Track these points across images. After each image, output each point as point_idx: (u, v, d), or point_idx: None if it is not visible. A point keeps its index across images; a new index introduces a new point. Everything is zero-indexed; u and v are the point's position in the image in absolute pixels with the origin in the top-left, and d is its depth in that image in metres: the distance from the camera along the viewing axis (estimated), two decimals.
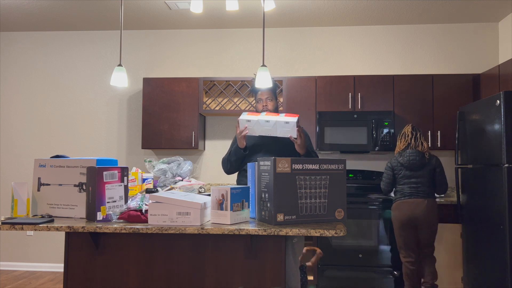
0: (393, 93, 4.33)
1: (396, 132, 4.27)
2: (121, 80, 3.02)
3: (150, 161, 3.15)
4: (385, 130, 4.19)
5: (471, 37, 4.64)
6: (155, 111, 4.54)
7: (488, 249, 3.32)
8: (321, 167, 2.04)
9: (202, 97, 4.51)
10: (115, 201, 2.10)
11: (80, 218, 2.15)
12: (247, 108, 4.54)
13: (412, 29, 4.71)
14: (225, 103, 4.63)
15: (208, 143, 4.85)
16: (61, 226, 1.90)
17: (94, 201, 2.02)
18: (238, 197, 1.94)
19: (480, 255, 3.45)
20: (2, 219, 2.01)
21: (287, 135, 2.42)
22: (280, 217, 1.94)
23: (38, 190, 2.27)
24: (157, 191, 2.59)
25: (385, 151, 4.19)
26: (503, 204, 3.10)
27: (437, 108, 4.28)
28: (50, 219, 2.04)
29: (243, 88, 4.63)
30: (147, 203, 2.01)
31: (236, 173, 3.35)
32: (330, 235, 1.81)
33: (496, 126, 3.20)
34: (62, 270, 4.85)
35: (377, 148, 4.19)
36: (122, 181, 2.13)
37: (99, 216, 2.02)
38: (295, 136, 2.42)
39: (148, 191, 2.58)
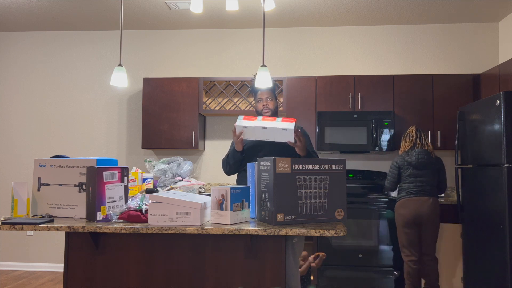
0: (393, 93, 4.33)
1: (396, 132, 4.27)
2: (121, 80, 3.02)
3: (150, 161, 3.15)
4: (385, 130, 4.19)
5: (471, 37, 4.64)
6: (155, 111, 4.54)
7: (488, 249, 3.32)
8: (321, 167, 2.04)
9: (202, 97, 4.51)
10: (115, 201, 2.10)
11: (80, 218, 2.15)
12: (247, 108, 4.54)
13: (412, 29, 4.71)
14: (225, 103, 4.63)
15: (208, 143, 4.85)
16: (61, 226, 1.90)
17: (94, 201, 2.02)
18: (238, 197, 1.94)
19: (480, 255, 3.45)
20: (2, 219, 2.01)
21: (285, 140, 2.41)
22: (280, 217, 1.94)
23: (38, 190, 2.27)
24: (157, 191, 2.59)
25: (385, 151, 4.19)
26: (503, 204, 3.10)
27: (437, 108, 4.28)
28: (50, 219, 2.04)
29: (243, 88, 4.63)
30: (147, 203, 2.01)
31: (236, 173, 3.35)
32: (330, 235, 1.81)
33: (496, 126, 3.20)
34: (62, 270, 4.85)
35: (377, 148, 4.19)
36: (122, 181, 2.13)
37: (99, 216, 2.02)
38: (293, 142, 2.41)
39: (148, 191, 2.58)
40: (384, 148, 4.18)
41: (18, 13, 4.47)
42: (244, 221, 2.00)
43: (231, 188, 1.91)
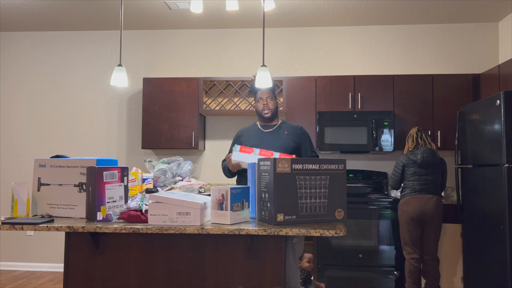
0: (393, 93, 4.33)
1: (396, 132, 4.28)
2: (121, 80, 3.02)
3: (150, 161, 3.15)
4: (385, 130, 4.19)
5: (471, 37, 4.64)
6: (155, 111, 4.54)
7: (488, 249, 3.32)
8: (321, 167, 2.04)
9: (202, 97, 4.51)
10: (115, 201, 2.10)
11: (80, 218, 2.15)
12: (247, 108, 4.54)
13: (412, 29, 4.71)
14: (225, 103, 4.63)
15: (208, 143, 4.85)
16: (61, 226, 1.90)
17: (94, 201, 2.02)
18: (238, 197, 1.94)
19: (480, 255, 3.45)
20: (2, 219, 2.01)
21: None
22: (280, 217, 1.94)
23: (38, 190, 2.27)
24: (157, 191, 2.59)
25: (385, 151, 4.19)
26: (503, 204, 3.10)
27: (437, 108, 4.28)
28: (50, 219, 2.04)
29: (243, 88, 4.63)
30: (147, 203, 2.01)
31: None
32: (330, 235, 1.81)
33: (496, 126, 3.20)
34: (62, 270, 4.85)
35: (377, 148, 4.19)
36: (122, 181, 2.13)
37: (99, 216, 2.02)
38: None
39: (148, 191, 2.58)
40: (384, 148, 4.18)
41: (18, 13, 4.47)
42: (244, 221, 2.00)
43: (231, 188, 1.91)
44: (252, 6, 4.23)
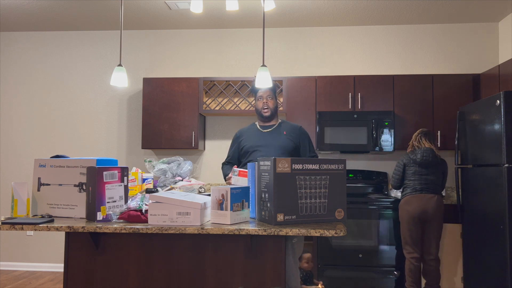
0: (393, 93, 4.33)
1: (396, 132, 4.28)
2: (121, 80, 3.02)
3: (150, 161, 3.15)
4: (385, 130, 4.19)
5: (471, 37, 4.64)
6: (155, 111, 4.54)
7: (488, 249, 3.32)
8: (321, 167, 2.04)
9: (202, 97, 4.51)
10: (115, 201, 2.10)
11: (80, 218, 2.15)
12: (247, 108, 4.54)
13: (412, 29, 4.71)
14: (225, 103, 4.63)
15: (208, 143, 4.85)
16: (61, 226, 1.90)
17: (94, 201, 2.02)
18: (238, 197, 1.94)
19: (480, 255, 3.45)
20: (2, 219, 2.01)
21: None
22: (280, 217, 1.94)
23: (38, 190, 2.27)
24: (157, 191, 2.59)
25: (385, 151, 4.19)
26: (503, 204, 3.10)
27: (437, 108, 4.28)
28: (50, 219, 2.04)
29: (243, 88, 4.63)
30: (147, 203, 2.01)
31: None
32: (330, 235, 1.81)
33: (496, 126, 3.20)
34: (62, 270, 4.85)
35: (377, 148, 4.19)
36: (122, 181, 2.13)
37: (99, 216, 2.02)
38: None
39: (148, 191, 2.58)
40: (384, 148, 4.18)
41: (18, 13, 4.47)
42: (244, 221, 2.00)
43: (231, 188, 1.91)
44: (252, 6, 4.23)
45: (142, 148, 4.52)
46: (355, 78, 4.37)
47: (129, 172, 2.26)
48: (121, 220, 2.01)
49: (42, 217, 2.10)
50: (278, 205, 1.94)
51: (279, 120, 2.84)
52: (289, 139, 2.71)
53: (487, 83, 4.07)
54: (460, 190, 3.95)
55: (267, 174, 1.99)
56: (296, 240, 2.48)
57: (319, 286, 3.31)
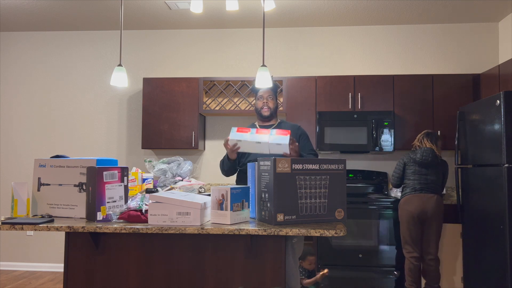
0: (393, 93, 4.33)
1: (396, 132, 4.28)
2: (121, 80, 3.02)
3: (150, 161, 3.15)
4: (385, 130, 4.19)
5: (471, 37, 4.64)
6: (155, 111, 4.54)
7: (488, 249, 3.32)
8: (321, 167, 2.04)
9: (202, 97, 4.51)
10: (115, 201, 2.10)
11: (80, 218, 2.15)
12: (247, 108, 4.54)
13: (412, 29, 4.71)
14: (225, 103, 4.63)
15: (208, 143, 4.85)
16: (61, 226, 1.90)
17: (94, 201, 2.02)
18: (238, 197, 1.94)
19: (480, 255, 3.45)
20: (2, 219, 2.01)
21: (280, 152, 2.39)
22: (280, 217, 1.94)
23: (38, 190, 2.27)
24: (157, 191, 2.59)
25: (385, 151, 4.19)
26: (503, 204, 3.10)
27: (437, 108, 4.28)
28: (50, 219, 2.04)
29: (243, 88, 4.63)
30: (147, 203, 2.01)
31: (236, 173, 3.36)
32: (330, 235, 1.81)
33: (496, 126, 3.20)
34: (62, 270, 4.85)
35: (377, 148, 4.19)
36: (122, 181, 2.13)
37: (99, 216, 2.02)
38: (288, 153, 2.40)
39: (148, 191, 2.58)
40: (384, 148, 4.18)
41: (18, 13, 4.47)
42: (244, 221, 2.00)
43: (231, 188, 1.91)
44: (252, 6, 4.23)
45: (142, 148, 4.52)
46: (355, 78, 4.37)
47: (129, 172, 2.26)
48: (121, 220, 2.01)
49: (42, 217, 2.10)
50: (278, 205, 1.94)
51: (279, 120, 2.84)
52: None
53: (487, 83, 4.07)
54: (460, 190, 3.95)
55: (267, 174, 1.99)
56: (296, 240, 2.48)
57: (324, 271, 3.26)
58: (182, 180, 3.04)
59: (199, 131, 4.56)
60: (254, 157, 2.67)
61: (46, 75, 5.05)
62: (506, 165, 3.08)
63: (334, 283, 4.00)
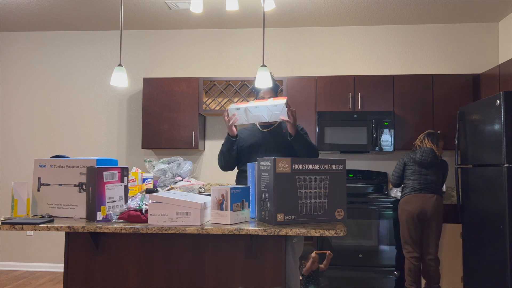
0: (393, 93, 4.33)
1: (396, 132, 4.28)
2: (121, 80, 3.02)
3: (150, 161, 3.15)
4: (385, 130, 4.19)
5: (471, 37, 4.64)
6: (155, 111, 4.54)
7: (488, 249, 3.32)
8: (321, 167, 2.04)
9: (202, 97, 4.51)
10: (115, 201, 2.10)
11: (80, 218, 2.15)
12: None
13: (412, 29, 4.71)
14: (225, 103, 4.63)
15: (208, 143, 4.85)
16: (61, 226, 1.90)
17: (94, 201, 2.02)
18: (238, 197, 1.94)
19: (480, 255, 3.45)
20: (2, 219, 2.01)
21: (278, 119, 2.42)
22: (280, 217, 1.94)
23: (38, 190, 2.27)
24: (157, 191, 2.59)
25: (385, 151, 4.19)
26: (503, 204, 3.10)
27: (437, 108, 4.28)
28: (50, 219, 2.04)
29: (243, 88, 4.63)
30: (147, 203, 2.01)
31: (236, 173, 3.36)
32: (330, 235, 1.81)
33: (496, 126, 3.20)
34: (62, 270, 4.85)
35: (377, 148, 4.19)
36: (122, 181, 2.13)
37: (99, 216, 2.02)
38: (287, 118, 2.41)
39: (148, 191, 2.58)
40: (384, 148, 4.18)
41: (18, 13, 4.47)
42: (244, 221, 2.00)
43: (231, 188, 1.91)
44: (252, 6, 4.23)
45: (142, 148, 4.52)
46: (355, 78, 4.37)
47: (129, 172, 2.26)
48: (121, 220, 2.01)
49: (42, 217, 2.10)
50: (278, 205, 1.94)
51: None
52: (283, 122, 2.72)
53: (487, 83, 4.07)
54: (460, 190, 3.95)
55: (267, 174, 1.99)
56: (296, 240, 2.48)
57: (327, 253, 3.23)
58: (182, 180, 3.04)
59: (199, 131, 4.56)
60: (253, 151, 2.67)
61: (46, 75, 5.05)
62: (506, 165, 3.08)
63: (334, 283, 4.00)
